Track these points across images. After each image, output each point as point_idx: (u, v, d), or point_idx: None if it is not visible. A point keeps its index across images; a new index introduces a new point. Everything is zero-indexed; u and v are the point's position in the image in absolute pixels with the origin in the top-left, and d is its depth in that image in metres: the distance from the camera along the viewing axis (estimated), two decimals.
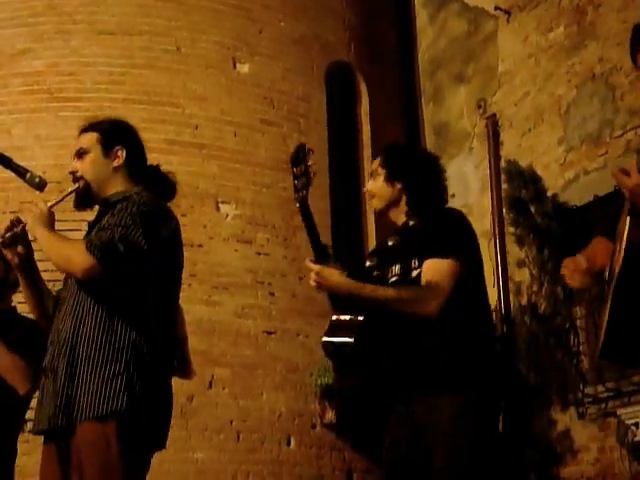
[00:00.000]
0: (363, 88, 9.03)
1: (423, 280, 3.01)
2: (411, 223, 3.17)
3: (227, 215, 7.57)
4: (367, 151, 8.86)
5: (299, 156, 3.03)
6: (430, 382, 2.98)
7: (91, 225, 3.01)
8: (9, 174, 3.00)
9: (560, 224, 7.19)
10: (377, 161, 3.31)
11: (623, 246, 2.54)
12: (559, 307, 7.14)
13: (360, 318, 3.00)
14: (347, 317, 3.01)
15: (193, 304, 6.96)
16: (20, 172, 2.96)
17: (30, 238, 2.93)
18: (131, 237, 2.77)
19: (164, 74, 7.74)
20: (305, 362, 7.46)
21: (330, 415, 7.36)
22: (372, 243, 8.56)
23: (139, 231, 2.78)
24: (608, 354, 2.77)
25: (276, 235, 7.73)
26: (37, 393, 2.95)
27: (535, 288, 7.33)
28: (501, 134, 8.14)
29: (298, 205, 3.05)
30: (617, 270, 2.58)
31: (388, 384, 3.08)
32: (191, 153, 7.56)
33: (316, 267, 3.06)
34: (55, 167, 6.75)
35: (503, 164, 7.82)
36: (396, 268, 3.13)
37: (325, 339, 3.03)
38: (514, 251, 7.51)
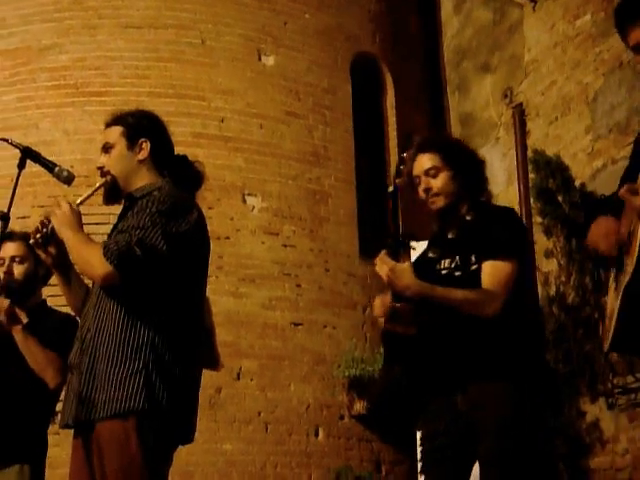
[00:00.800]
0: (388, 79, 9.01)
1: (485, 281, 3.07)
2: (468, 218, 3.20)
3: (253, 207, 7.59)
4: (393, 142, 8.84)
5: (406, 146, 3.05)
6: (479, 370, 3.03)
7: (118, 219, 3.01)
8: (37, 168, 3.02)
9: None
10: (433, 157, 3.26)
11: (637, 247, 2.61)
12: (587, 297, 7.09)
13: (418, 308, 3.03)
14: (406, 306, 3.02)
15: (220, 296, 6.99)
16: (48, 166, 2.97)
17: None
18: (149, 240, 2.75)
19: (189, 67, 7.76)
20: (332, 353, 7.47)
21: (358, 406, 7.36)
22: (399, 233, 8.53)
23: (157, 232, 2.77)
24: (619, 346, 2.84)
25: (302, 227, 7.73)
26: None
27: (563, 278, 7.28)
28: (528, 123, 8.08)
29: (390, 192, 3.05)
30: (630, 268, 2.64)
31: (433, 374, 3.10)
32: (217, 146, 7.58)
33: (391, 263, 3.03)
34: (82, 161, 6.81)
35: (530, 154, 7.77)
36: (455, 261, 3.16)
37: (387, 326, 3.03)
38: (542, 241, 7.46)
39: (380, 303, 3.18)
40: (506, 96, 8.38)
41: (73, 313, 3.15)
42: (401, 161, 3.10)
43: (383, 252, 3.10)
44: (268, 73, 8.02)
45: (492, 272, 3.07)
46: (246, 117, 7.79)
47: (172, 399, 2.73)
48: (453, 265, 3.16)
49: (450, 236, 3.23)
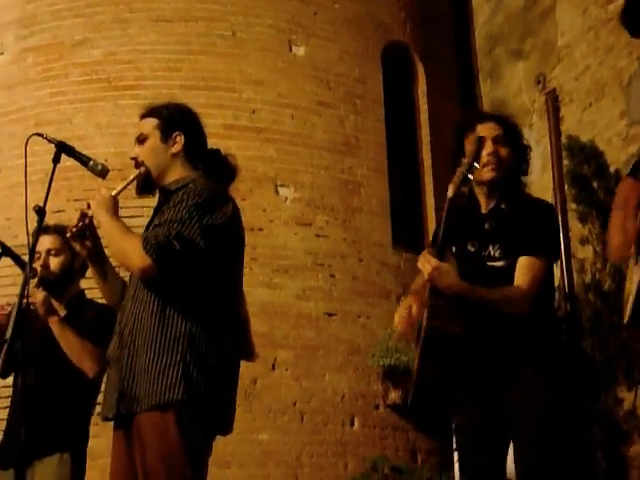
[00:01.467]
0: (420, 67, 8.96)
1: (520, 277, 3.09)
2: (503, 207, 3.19)
3: (286, 198, 7.59)
4: (425, 131, 8.81)
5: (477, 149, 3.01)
6: (514, 360, 3.07)
7: (153, 212, 3.03)
8: (72, 163, 3.04)
9: None
10: (500, 129, 3.25)
11: None
12: (623, 284, 7.01)
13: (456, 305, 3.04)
14: (446, 303, 3.03)
15: (254, 287, 7.01)
16: (83, 160, 3.00)
17: (95, 224, 2.96)
18: (187, 233, 2.77)
19: (220, 59, 7.78)
20: (367, 343, 7.48)
21: (393, 396, 7.36)
22: (431, 223, 8.52)
23: (195, 225, 2.79)
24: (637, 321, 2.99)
25: (335, 217, 7.73)
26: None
27: (599, 265, 7.22)
28: (561, 109, 8.00)
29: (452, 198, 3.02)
30: None
31: (468, 366, 3.10)
32: (249, 137, 7.59)
33: (435, 262, 3.02)
34: (116, 155, 6.85)
35: (564, 140, 7.70)
36: (492, 252, 3.18)
37: (433, 323, 3.01)
38: (577, 228, 7.40)
39: (401, 314, 3.20)
40: (539, 82, 8.30)
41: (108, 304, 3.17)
42: (470, 169, 3.03)
43: (427, 250, 3.09)
44: (299, 63, 8.02)
45: (528, 269, 3.10)
46: (277, 108, 7.79)
47: (210, 390, 2.75)
48: (491, 256, 3.16)
49: (487, 227, 3.21)
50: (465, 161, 3.04)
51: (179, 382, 2.71)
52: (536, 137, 8.28)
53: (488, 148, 3.20)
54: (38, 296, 3.52)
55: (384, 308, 7.71)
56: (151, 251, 2.74)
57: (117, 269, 3.11)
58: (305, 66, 8.03)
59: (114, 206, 2.93)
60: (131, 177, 3.01)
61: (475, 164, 3.03)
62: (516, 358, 3.07)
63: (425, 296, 3.11)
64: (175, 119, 3.08)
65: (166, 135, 3.04)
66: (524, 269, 3.10)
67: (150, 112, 3.10)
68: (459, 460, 3.18)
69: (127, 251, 2.80)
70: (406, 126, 8.82)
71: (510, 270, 3.11)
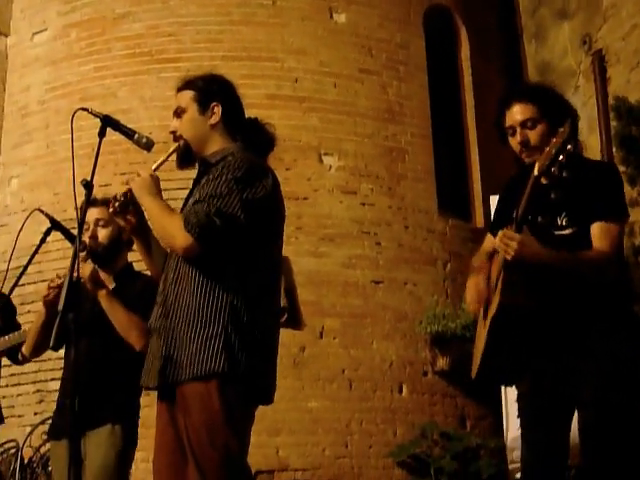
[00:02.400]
0: (462, 31, 8.86)
1: (597, 243, 3.05)
2: (564, 174, 3.15)
3: (330, 167, 7.58)
4: (469, 95, 8.72)
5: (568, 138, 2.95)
6: (582, 327, 3.05)
7: (193, 184, 3.04)
8: (117, 136, 3.06)
9: None
10: (531, 108, 3.18)
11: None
12: None
13: (532, 279, 3.04)
14: (520, 277, 3.02)
15: (301, 256, 7.03)
16: (128, 133, 3.01)
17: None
18: (227, 208, 2.78)
19: (261, 29, 7.76)
20: (413, 310, 7.47)
21: (441, 362, 7.36)
22: (477, 188, 8.46)
23: (235, 200, 2.79)
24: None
25: (380, 185, 7.71)
26: None
27: None
28: (608, 70, 7.86)
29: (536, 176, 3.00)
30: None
31: (535, 333, 3.10)
32: (292, 107, 7.58)
33: (518, 237, 2.99)
34: (160, 128, 6.88)
35: (611, 101, 7.57)
36: (560, 221, 3.14)
37: (504, 300, 3.02)
38: (625, 190, 7.28)
39: (471, 294, 3.22)
40: (585, 43, 8.16)
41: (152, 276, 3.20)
42: (561, 151, 2.96)
43: (507, 228, 3.07)
44: (340, 31, 7.96)
45: (605, 234, 3.05)
46: (320, 76, 7.76)
47: (251, 360, 2.77)
48: (560, 225, 3.13)
49: (553, 196, 3.17)
50: (554, 141, 2.97)
51: (221, 353, 2.73)
52: (583, 99, 8.15)
53: (518, 136, 3.16)
54: (86, 270, 3.56)
55: (430, 275, 7.69)
56: (193, 230, 2.75)
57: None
58: (346, 33, 7.97)
59: (155, 185, 2.92)
60: (170, 150, 3.02)
61: (568, 146, 2.97)
62: (584, 325, 3.05)
63: (493, 272, 3.12)
64: (212, 90, 3.06)
65: (204, 106, 3.03)
66: (601, 234, 3.06)
67: (186, 84, 3.08)
68: (521, 427, 3.17)
69: (170, 231, 2.82)
70: (450, 91, 8.73)
71: (579, 237, 3.07)
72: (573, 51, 8.37)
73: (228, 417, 2.72)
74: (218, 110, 3.03)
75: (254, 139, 3.08)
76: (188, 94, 3.05)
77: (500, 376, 3.27)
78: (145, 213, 2.96)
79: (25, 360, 4.47)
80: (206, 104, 3.03)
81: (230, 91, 3.11)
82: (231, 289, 2.80)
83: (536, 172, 2.95)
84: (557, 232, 3.12)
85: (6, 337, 4.26)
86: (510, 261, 2.98)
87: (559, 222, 3.13)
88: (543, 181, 3.08)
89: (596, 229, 3.06)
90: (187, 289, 2.82)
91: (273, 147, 3.12)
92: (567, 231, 3.11)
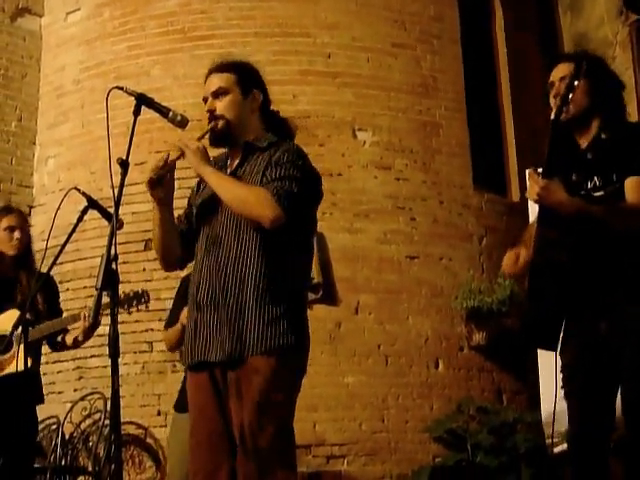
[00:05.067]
0: (497, 2, 8.75)
1: (630, 196, 3.06)
2: (603, 136, 3.16)
3: (364, 142, 7.56)
4: (504, 68, 8.63)
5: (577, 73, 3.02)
6: (623, 294, 3.05)
7: (237, 165, 3.08)
8: (152, 115, 3.07)
9: None
10: (570, 66, 3.20)
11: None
12: None
13: (567, 237, 3.05)
14: (553, 232, 3.05)
15: (336, 232, 7.04)
16: (162, 111, 3.02)
17: (194, 173, 3.02)
18: (300, 189, 2.92)
19: (293, 5, 7.72)
20: (449, 285, 7.45)
21: (477, 337, 7.35)
22: (513, 162, 8.38)
23: (303, 181, 2.94)
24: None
25: (414, 160, 7.67)
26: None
27: None
28: None
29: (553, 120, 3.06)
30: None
31: (576, 301, 3.09)
32: (325, 82, 7.55)
33: (542, 181, 3.05)
34: (194, 105, 6.87)
35: None
36: (596, 181, 3.16)
37: (538, 256, 3.04)
38: None
39: (510, 257, 3.24)
40: (621, 13, 8.04)
41: (159, 252, 3.16)
42: (570, 88, 3.03)
43: (531, 170, 3.10)
44: (372, 5, 7.90)
45: (637, 187, 3.05)
46: (352, 51, 7.71)
47: (306, 336, 2.98)
48: (595, 187, 3.13)
49: (590, 157, 3.18)
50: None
51: (287, 332, 2.88)
52: (619, 70, 8.02)
53: (554, 90, 3.23)
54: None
55: (466, 250, 7.66)
56: (284, 202, 2.87)
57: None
58: (379, 7, 7.90)
59: (207, 154, 3.01)
60: (208, 127, 3.05)
61: (575, 82, 3.03)
62: (624, 292, 3.05)
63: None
64: (252, 77, 3.16)
65: (246, 92, 3.11)
66: (635, 188, 3.06)
67: (226, 67, 3.15)
68: (566, 398, 3.17)
69: (255, 200, 2.89)
70: (484, 64, 8.65)
71: (613, 198, 3.07)
72: (609, 22, 8.25)
73: (288, 392, 2.92)
74: (259, 97, 3.13)
75: (279, 130, 3.17)
76: (230, 77, 3.12)
77: (543, 339, 3.25)
78: (208, 181, 3.00)
79: (63, 347, 4.54)
80: (248, 89, 3.11)
81: (263, 81, 3.20)
82: (291, 269, 2.96)
83: (553, 115, 3.02)
84: (592, 193, 3.12)
85: (49, 323, 4.33)
86: (536, 203, 3.04)
87: (596, 183, 3.13)
88: (584, 142, 3.11)
89: (629, 183, 3.07)
90: (253, 270, 2.91)
91: (293, 140, 3.20)
92: (600, 192, 3.10)
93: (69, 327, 4.42)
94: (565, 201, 3.02)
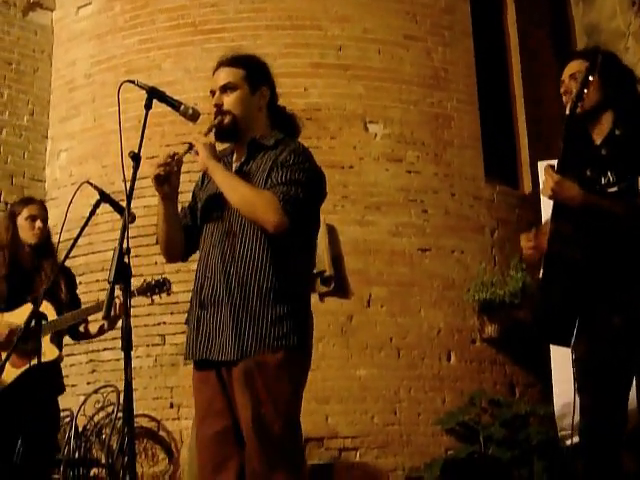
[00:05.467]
0: None
1: None
2: (617, 132, 3.16)
3: (376, 135, 7.55)
4: (515, 59, 8.60)
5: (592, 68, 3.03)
6: (637, 287, 3.05)
7: (243, 162, 3.07)
8: (163, 108, 3.07)
9: None
10: (581, 63, 3.22)
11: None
12: None
13: (580, 231, 3.07)
14: (568, 226, 3.07)
15: (347, 225, 7.04)
16: (174, 105, 3.02)
17: (202, 167, 3.01)
18: (306, 194, 2.90)
19: None
20: (461, 278, 7.44)
21: (489, 330, 7.34)
22: (524, 154, 8.36)
23: (308, 185, 2.92)
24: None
25: (426, 152, 7.66)
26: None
27: None
28: None
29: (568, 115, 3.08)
30: None
31: (589, 294, 3.10)
32: (336, 75, 7.54)
33: (556, 176, 3.08)
34: (205, 99, 6.84)
35: None
36: (610, 177, 3.17)
37: (552, 249, 3.05)
38: None
39: (526, 238, 3.22)
40: (634, 4, 8.00)
41: (163, 246, 3.15)
42: (584, 84, 3.04)
43: (547, 164, 3.12)
44: None
45: None
46: (364, 44, 7.70)
47: (311, 336, 2.98)
48: (609, 183, 3.14)
49: (604, 152, 3.18)
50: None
51: (292, 331, 2.87)
52: (632, 61, 7.99)
53: (563, 87, 3.28)
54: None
55: (478, 242, 7.64)
56: (289, 208, 2.85)
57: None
58: (389, 0, 7.89)
59: (216, 152, 3.01)
60: (215, 122, 3.04)
61: (590, 77, 3.07)
62: (632, 282, 3.05)
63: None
64: (261, 73, 3.13)
65: (255, 87, 3.08)
66: None
67: (234, 62, 3.12)
68: (579, 391, 3.17)
69: (261, 204, 2.87)
70: (496, 56, 8.62)
71: (626, 194, 3.08)
72: (622, 12, 8.20)
73: (293, 389, 2.89)
74: (267, 94, 3.11)
75: (286, 127, 3.15)
76: (239, 72, 3.09)
77: (558, 335, 3.25)
78: (215, 177, 2.99)
79: (85, 337, 4.58)
80: (257, 86, 3.09)
81: (272, 77, 3.17)
82: (295, 269, 2.95)
83: (567, 111, 3.03)
84: (606, 188, 3.13)
85: (73, 312, 4.35)
86: (549, 199, 3.06)
87: (608, 178, 3.14)
88: (598, 137, 3.13)
89: None
90: (258, 270, 2.90)
91: (298, 137, 3.19)
92: (614, 188, 3.10)
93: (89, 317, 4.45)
94: (577, 197, 3.04)
